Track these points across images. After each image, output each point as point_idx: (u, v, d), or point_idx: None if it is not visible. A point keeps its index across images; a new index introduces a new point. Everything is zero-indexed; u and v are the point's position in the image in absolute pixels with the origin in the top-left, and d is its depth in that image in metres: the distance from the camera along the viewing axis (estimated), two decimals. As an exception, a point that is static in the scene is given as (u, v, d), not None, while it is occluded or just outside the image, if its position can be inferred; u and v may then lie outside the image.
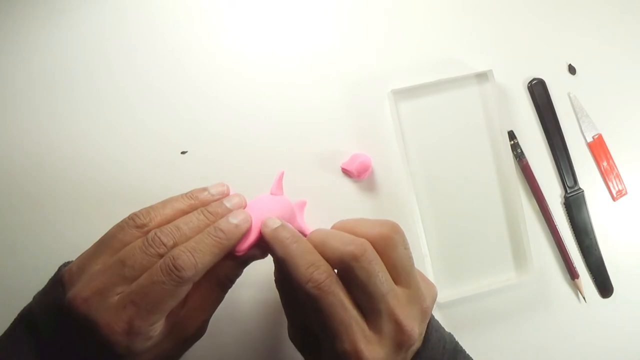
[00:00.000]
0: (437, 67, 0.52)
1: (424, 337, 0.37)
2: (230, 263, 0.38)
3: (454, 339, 0.40)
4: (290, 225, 0.37)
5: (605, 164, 0.54)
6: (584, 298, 0.54)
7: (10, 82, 0.48)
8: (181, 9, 0.50)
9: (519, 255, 0.53)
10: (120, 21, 0.49)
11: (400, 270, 0.35)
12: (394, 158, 0.51)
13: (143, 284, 0.33)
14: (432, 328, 0.38)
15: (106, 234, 0.36)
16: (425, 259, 0.50)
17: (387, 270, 0.35)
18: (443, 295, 0.51)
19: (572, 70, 0.54)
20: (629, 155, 0.55)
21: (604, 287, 0.54)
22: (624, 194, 0.55)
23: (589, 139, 0.54)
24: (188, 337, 0.37)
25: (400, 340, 0.35)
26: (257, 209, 0.38)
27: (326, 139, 0.51)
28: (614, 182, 0.54)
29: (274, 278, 0.40)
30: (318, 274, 0.33)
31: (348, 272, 0.34)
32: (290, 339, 0.40)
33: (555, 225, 0.53)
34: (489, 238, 0.53)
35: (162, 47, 0.50)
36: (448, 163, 0.52)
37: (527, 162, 0.53)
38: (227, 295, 0.39)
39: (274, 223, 0.36)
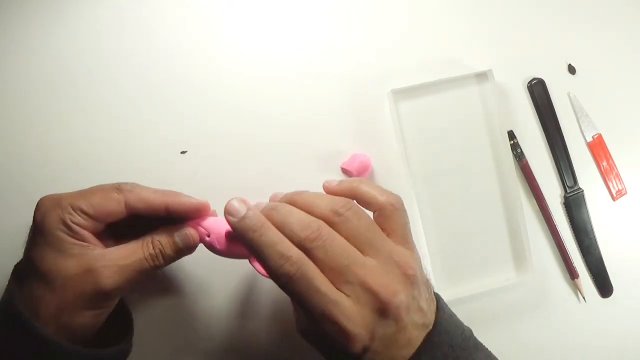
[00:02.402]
0: (437, 67, 0.52)
1: (436, 319, 0.38)
2: (167, 239, 0.41)
3: (473, 335, 0.40)
4: (257, 212, 0.37)
5: (605, 164, 0.54)
6: (584, 298, 0.54)
7: (10, 83, 0.48)
8: (181, 9, 0.50)
9: (519, 255, 0.53)
10: (120, 21, 0.49)
11: (361, 243, 0.37)
12: (394, 158, 0.51)
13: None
14: (444, 312, 0.39)
15: None
16: (425, 259, 0.50)
17: (352, 243, 0.36)
18: (443, 295, 0.51)
19: (572, 70, 0.54)
20: (629, 155, 0.55)
21: (604, 287, 0.54)
22: (624, 194, 0.55)
23: (589, 139, 0.54)
24: (91, 270, 0.38)
25: (380, 306, 0.35)
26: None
27: (326, 139, 0.51)
28: (614, 182, 0.54)
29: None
30: (289, 265, 0.34)
31: (309, 255, 0.35)
32: (300, 331, 0.40)
33: (555, 225, 0.53)
34: (489, 238, 0.53)
35: (162, 46, 0.49)
36: (448, 163, 0.52)
37: (527, 162, 0.53)
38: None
39: (239, 212, 0.36)
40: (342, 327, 0.34)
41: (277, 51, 0.51)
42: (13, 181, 0.48)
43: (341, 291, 0.35)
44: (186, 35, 0.50)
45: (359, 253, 0.36)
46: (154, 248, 0.40)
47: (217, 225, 0.41)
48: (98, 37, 0.49)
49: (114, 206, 0.39)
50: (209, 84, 0.50)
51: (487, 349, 0.41)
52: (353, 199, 0.40)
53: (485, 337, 0.52)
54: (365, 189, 0.40)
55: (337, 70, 0.51)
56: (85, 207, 0.39)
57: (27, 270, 0.39)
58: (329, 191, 0.41)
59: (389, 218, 0.39)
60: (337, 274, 0.35)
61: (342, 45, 0.51)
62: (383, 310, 0.35)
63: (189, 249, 0.41)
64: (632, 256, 0.55)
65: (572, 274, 0.53)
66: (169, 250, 0.41)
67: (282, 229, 0.36)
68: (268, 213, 0.37)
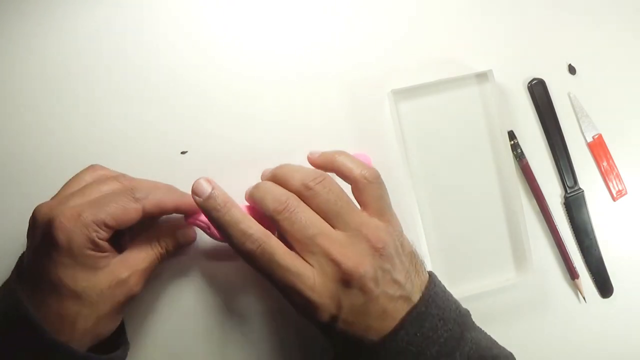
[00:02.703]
0: (437, 67, 0.52)
1: (424, 292, 0.39)
2: (170, 238, 0.43)
3: (471, 317, 0.41)
4: (221, 190, 0.38)
5: (605, 164, 0.54)
6: (584, 298, 0.54)
7: (9, 82, 0.48)
8: (181, 9, 0.50)
9: (519, 255, 0.53)
10: (120, 20, 0.49)
11: (329, 216, 0.38)
12: (394, 158, 0.51)
13: (100, 195, 0.39)
14: (435, 285, 0.40)
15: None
16: (425, 259, 0.50)
17: (321, 216, 0.38)
18: (443, 295, 0.51)
19: (572, 70, 0.54)
20: (629, 155, 0.54)
21: (604, 287, 0.54)
22: (624, 194, 0.55)
23: (589, 139, 0.54)
24: (121, 280, 0.40)
25: (342, 276, 0.36)
26: None
27: (326, 139, 0.51)
28: (614, 182, 0.54)
29: None
30: (250, 243, 0.36)
31: (277, 226, 0.37)
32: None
33: (555, 225, 0.53)
34: (489, 238, 0.53)
35: (161, 46, 0.49)
36: (448, 163, 0.52)
37: (527, 162, 0.53)
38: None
39: (204, 191, 0.38)
40: (305, 296, 0.36)
41: (277, 51, 0.51)
42: (13, 181, 0.48)
43: (307, 261, 0.37)
44: (186, 36, 0.50)
45: (327, 225, 0.38)
46: (161, 248, 0.43)
47: None
48: (98, 37, 0.49)
49: (133, 215, 0.40)
50: (209, 84, 0.50)
51: (486, 334, 0.41)
52: (331, 171, 0.42)
53: (485, 337, 0.53)
54: (342, 161, 0.42)
55: (337, 70, 0.51)
56: (108, 221, 0.38)
57: (51, 289, 0.38)
58: (311, 162, 0.44)
59: (363, 191, 0.40)
60: (302, 245, 0.37)
61: (342, 45, 0.51)
62: (346, 280, 0.36)
63: (188, 244, 0.46)
64: (632, 256, 0.55)
65: (572, 274, 0.53)
66: (171, 247, 0.44)
67: (259, 204, 0.38)
68: (251, 191, 0.40)
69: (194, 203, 0.41)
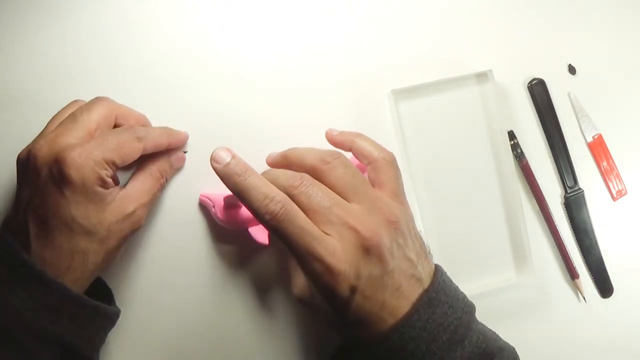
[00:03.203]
0: (437, 67, 0.52)
1: (433, 279, 0.39)
2: (167, 165, 0.46)
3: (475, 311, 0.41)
4: (241, 159, 0.38)
5: (605, 164, 0.54)
6: (584, 298, 0.54)
7: (11, 81, 0.48)
8: (180, 9, 0.50)
9: (519, 255, 0.53)
10: (120, 20, 0.49)
11: (345, 189, 0.38)
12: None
13: (106, 134, 0.41)
14: (443, 274, 0.40)
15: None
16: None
17: (337, 191, 0.38)
18: (443, 295, 0.51)
19: (572, 70, 0.54)
20: (629, 155, 0.54)
21: (604, 287, 0.54)
22: (624, 194, 0.55)
23: (589, 139, 0.54)
24: (127, 214, 0.41)
25: (362, 243, 0.36)
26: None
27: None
28: (614, 182, 0.54)
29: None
30: (273, 204, 0.36)
31: (294, 200, 0.37)
32: (296, 295, 0.41)
33: (555, 225, 0.53)
34: (489, 238, 0.53)
35: (162, 46, 0.49)
36: (448, 163, 0.52)
37: (527, 162, 0.53)
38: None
39: (224, 159, 0.38)
40: (326, 262, 0.35)
41: (277, 51, 0.51)
42: (13, 182, 0.48)
43: (324, 231, 0.37)
44: (186, 37, 0.50)
45: (342, 198, 0.38)
46: (161, 177, 0.45)
47: (219, 197, 0.46)
48: (97, 38, 0.49)
49: (136, 154, 0.42)
50: (209, 84, 0.50)
51: (489, 328, 0.42)
52: (349, 150, 0.43)
53: (485, 337, 0.53)
54: (362, 142, 0.42)
55: (338, 70, 0.51)
56: (117, 160, 0.40)
57: (62, 227, 0.39)
58: (329, 138, 0.45)
59: (380, 170, 0.41)
60: (319, 215, 0.37)
61: (342, 45, 0.51)
62: (366, 247, 0.36)
63: (179, 168, 0.48)
64: (632, 256, 0.55)
65: (572, 274, 0.53)
66: (170, 174, 0.47)
67: (272, 181, 0.38)
68: (262, 174, 0.40)
69: (185, 138, 0.47)
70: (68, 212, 0.39)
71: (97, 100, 0.43)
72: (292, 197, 0.37)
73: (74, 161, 0.38)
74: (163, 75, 0.49)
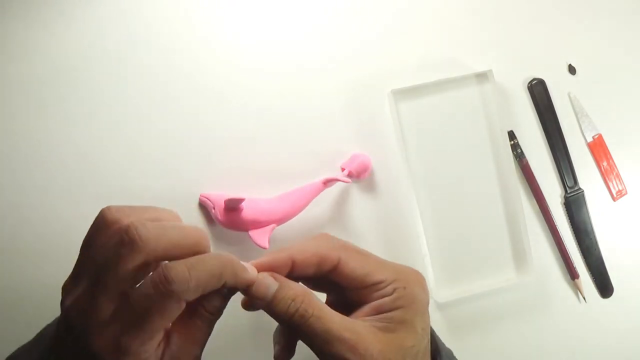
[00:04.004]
0: (437, 67, 0.52)
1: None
2: (213, 295, 0.34)
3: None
4: (280, 280, 0.35)
5: (605, 164, 0.54)
6: (584, 298, 0.54)
7: (11, 83, 0.48)
8: (180, 9, 0.50)
9: (519, 255, 0.53)
10: (121, 20, 0.49)
11: None
12: (394, 158, 0.51)
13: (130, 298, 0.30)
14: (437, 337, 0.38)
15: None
16: (425, 259, 0.50)
17: None
18: (443, 295, 0.51)
19: (572, 70, 0.54)
20: (629, 155, 0.55)
21: (604, 287, 0.54)
22: (624, 194, 0.55)
23: (589, 139, 0.54)
24: None
25: None
26: None
27: (326, 138, 0.51)
28: (614, 182, 0.54)
29: None
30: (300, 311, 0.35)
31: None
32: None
33: (555, 225, 0.53)
34: (489, 238, 0.53)
35: (162, 47, 0.49)
36: (448, 163, 0.52)
37: (527, 162, 0.53)
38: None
39: (266, 294, 0.35)
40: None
41: (277, 51, 0.51)
42: (14, 181, 0.48)
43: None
44: (186, 38, 0.50)
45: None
46: (208, 313, 0.35)
47: (219, 198, 0.46)
48: (98, 38, 0.49)
49: (177, 314, 0.32)
50: (209, 84, 0.50)
51: None
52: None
53: (485, 337, 0.53)
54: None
55: (337, 70, 0.51)
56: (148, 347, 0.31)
57: None
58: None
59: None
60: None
61: (342, 45, 0.51)
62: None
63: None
64: (632, 256, 0.55)
65: (572, 274, 0.53)
66: (218, 304, 0.35)
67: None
68: None
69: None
70: None
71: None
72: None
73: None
74: (162, 75, 0.49)
